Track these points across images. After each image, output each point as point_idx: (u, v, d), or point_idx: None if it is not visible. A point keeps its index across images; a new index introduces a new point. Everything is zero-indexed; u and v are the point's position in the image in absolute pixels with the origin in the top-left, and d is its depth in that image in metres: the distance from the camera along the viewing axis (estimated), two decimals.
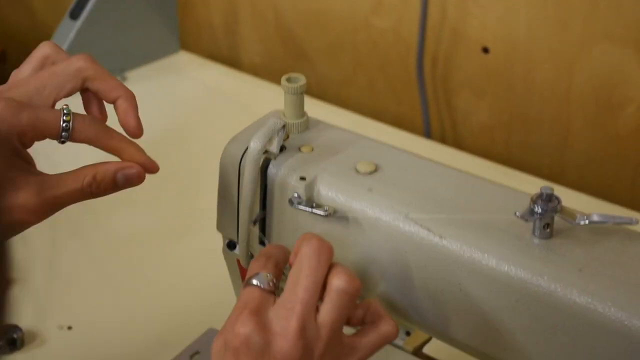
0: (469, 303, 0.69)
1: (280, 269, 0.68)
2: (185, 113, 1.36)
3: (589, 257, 0.66)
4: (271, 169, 0.75)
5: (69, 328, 0.97)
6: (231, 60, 1.53)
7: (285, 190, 0.75)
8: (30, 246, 1.09)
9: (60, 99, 0.76)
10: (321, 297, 0.66)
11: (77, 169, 0.72)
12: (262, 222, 0.78)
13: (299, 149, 0.76)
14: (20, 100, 0.72)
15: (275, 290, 0.66)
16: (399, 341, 0.94)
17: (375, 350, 0.68)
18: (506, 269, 0.67)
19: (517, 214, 0.67)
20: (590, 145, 1.24)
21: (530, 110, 1.26)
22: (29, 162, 0.73)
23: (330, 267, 0.66)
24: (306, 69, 1.43)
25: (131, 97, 0.77)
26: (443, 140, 1.34)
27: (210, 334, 0.96)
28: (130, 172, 0.73)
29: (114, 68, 1.36)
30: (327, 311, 0.65)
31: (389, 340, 0.68)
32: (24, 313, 0.92)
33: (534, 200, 0.67)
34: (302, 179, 0.74)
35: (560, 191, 1.20)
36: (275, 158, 0.75)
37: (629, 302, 0.63)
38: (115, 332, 0.98)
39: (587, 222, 0.67)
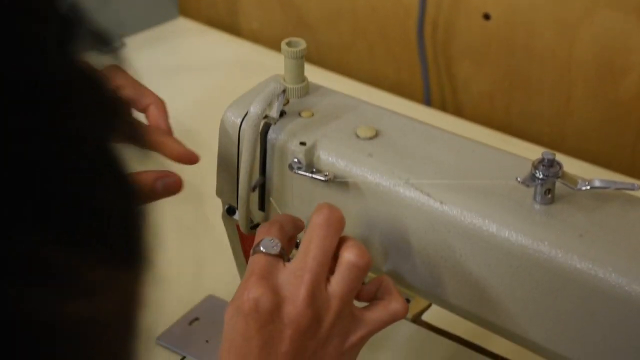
0: (469, 269, 0.69)
1: (286, 233, 0.68)
2: (184, 80, 1.35)
3: (589, 222, 0.66)
4: (271, 134, 0.75)
5: None
6: (230, 27, 1.52)
7: (285, 155, 0.74)
8: None
9: None
10: (332, 269, 0.66)
11: None
12: (262, 188, 0.77)
13: (299, 114, 0.76)
14: None
15: (282, 253, 0.66)
16: None
17: (383, 326, 0.68)
18: (506, 234, 0.67)
19: (519, 179, 0.67)
20: (591, 112, 1.23)
21: (531, 77, 1.25)
22: None
23: (343, 240, 0.67)
24: (306, 35, 1.42)
25: (161, 104, 0.77)
26: (443, 107, 1.33)
27: (209, 301, 0.96)
28: (170, 180, 0.73)
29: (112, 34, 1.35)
30: (337, 283, 0.65)
31: (397, 318, 0.68)
32: None
33: (535, 166, 0.67)
34: (302, 144, 0.74)
35: (560, 159, 1.20)
36: (275, 123, 0.75)
37: (630, 267, 0.63)
38: None
39: (588, 187, 0.67)
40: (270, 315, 0.63)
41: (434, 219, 0.69)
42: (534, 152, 1.18)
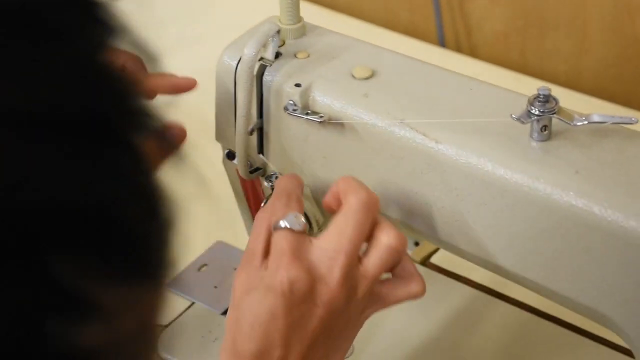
0: (465, 208, 0.68)
1: (302, 204, 0.67)
2: (177, 23, 1.34)
3: (586, 158, 0.65)
4: (266, 76, 0.74)
5: None
6: None
7: (281, 97, 0.73)
8: None
9: None
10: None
11: None
12: (260, 131, 0.77)
13: (295, 55, 0.75)
14: None
15: (306, 228, 0.65)
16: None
17: (398, 303, 0.68)
18: (502, 172, 0.66)
19: (513, 116, 0.66)
20: (607, 49, 1.21)
21: (546, 14, 1.23)
22: None
23: (376, 221, 0.65)
24: None
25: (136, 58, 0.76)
26: (458, 48, 1.31)
27: (218, 247, 0.96)
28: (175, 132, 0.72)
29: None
30: (372, 264, 0.64)
31: (415, 298, 0.68)
32: None
33: (530, 102, 0.66)
34: (297, 85, 0.73)
35: (577, 97, 1.18)
36: (270, 65, 0.74)
37: (626, 203, 0.62)
38: None
39: (585, 122, 0.65)
40: (304, 296, 0.62)
41: (430, 159, 0.68)
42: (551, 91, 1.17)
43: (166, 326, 0.88)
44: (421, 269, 0.92)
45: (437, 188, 0.69)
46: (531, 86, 1.17)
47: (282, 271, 0.62)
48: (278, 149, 0.76)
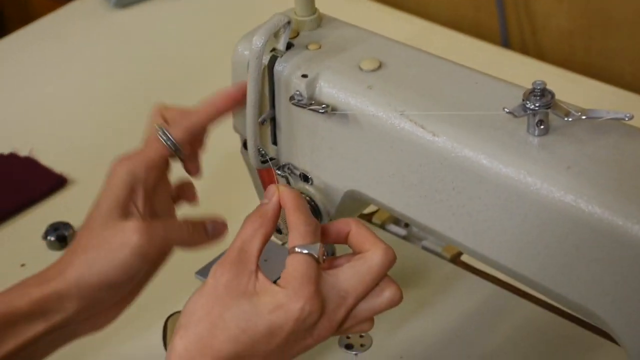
0: (461, 202, 0.68)
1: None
2: (197, 18, 1.35)
3: (580, 154, 0.63)
4: (277, 67, 0.75)
5: None
6: None
7: (289, 88, 0.74)
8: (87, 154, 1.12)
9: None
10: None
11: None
12: (273, 121, 0.77)
13: (306, 47, 0.75)
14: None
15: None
16: (437, 248, 0.93)
17: (376, 314, 0.68)
18: (495, 166, 0.65)
19: (506, 109, 0.65)
20: None
21: (611, 12, 1.20)
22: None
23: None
24: None
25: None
26: (522, 48, 1.29)
27: None
28: (218, 226, 0.77)
29: None
30: (367, 310, 0.66)
31: (393, 306, 0.68)
32: (75, 211, 0.95)
33: (526, 96, 0.65)
34: (304, 76, 0.73)
35: None
36: (281, 55, 0.75)
37: (615, 200, 0.61)
38: None
39: (583, 117, 0.64)
40: (310, 328, 0.64)
41: (427, 151, 0.68)
42: (617, 95, 1.15)
43: None
44: (450, 266, 0.92)
45: (435, 181, 0.68)
46: (595, 89, 1.16)
47: (304, 300, 0.63)
48: (289, 139, 0.77)
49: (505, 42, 1.29)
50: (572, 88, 1.19)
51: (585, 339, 0.83)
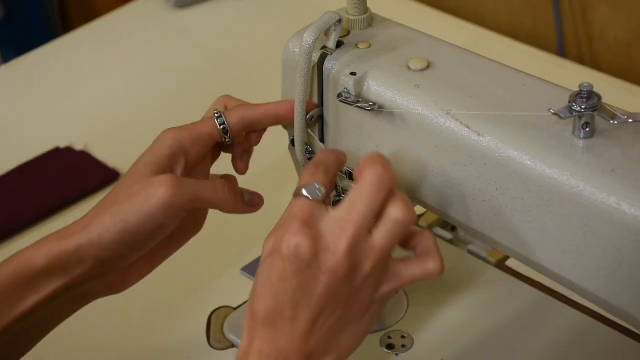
0: (504, 202, 0.68)
1: (332, 175, 0.68)
2: (257, 18, 1.36)
3: (625, 157, 0.63)
4: (327, 65, 0.76)
5: None
6: None
7: (338, 85, 0.75)
8: None
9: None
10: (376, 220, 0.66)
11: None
12: (321, 119, 0.78)
13: (356, 46, 0.76)
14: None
15: (325, 199, 0.66)
16: (482, 252, 0.93)
17: (415, 282, 0.67)
18: (539, 167, 0.65)
19: (552, 110, 0.64)
20: None
21: None
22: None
23: (390, 194, 0.66)
24: None
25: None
26: (579, 58, 1.28)
27: None
28: (256, 198, 0.78)
29: None
30: (380, 237, 0.65)
31: (432, 277, 0.67)
32: None
33: (572, 98, 0.65)
34: (353, 74, 0.74)
35: None
36: (331, 53, 0.75)
37: None
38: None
39: (628, 120, 0.64)
40: (308, 262, 0.64)
41: (472, 151, 0.68)
42: None
43: (235, 308, 0.91)
44: (496, 272, 0.92)
45: (479, 181, 0.68)
46: None
47: (288, 236, 0.64)
48: (336, 136, 0.77)
49: (562, 52, 1.28)
50: (629, 99, 1.18)
51: (631, 348, 0.82)
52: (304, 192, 0.66)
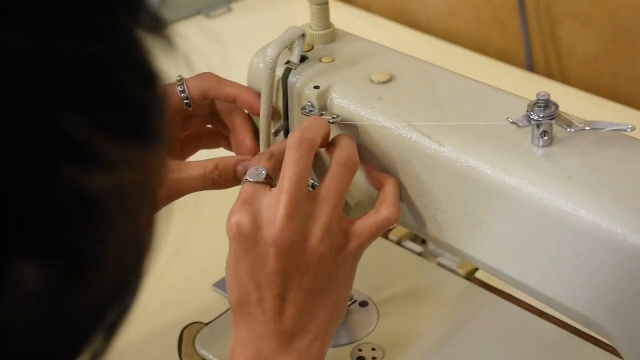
0: (466, 212, 0.68)
1: (276, 158, 0.70)
2: (232, 37, 1.37)
3: (583, 165, 0.64)
4: (291, 79, 0.76)
5: None
6: None
7: (302, 99, 0.75)
8: None
9: None
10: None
11: (203, 160, 0.77)
12: (286, 132, 0.79)
13: (320, 60, 0.77)
14: None
15: (269, 181, 0.68)
16: (452, 265, 0.93)
17: (374, 234, 0.69)
18: (499, 176, 0.66)
19: (510, 119, 0.65)
20: None
21: (638, 37, 1.20)
22: None
23: (333, 142, 0.69)
24: (415, 2, 1.42)
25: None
26: (548, 73, 1.30)
27: None
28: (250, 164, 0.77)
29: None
30: (324, 184, 0.67)
31: (387, 224, 0.69)
32: None
33: (530, 107, 0.65)
34: (316, 87, 0.75)
35: None
36: (295, 68, 0.76)
37: (614, 209, 0.61)
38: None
39: (586, 128, 0.65)
40: (252, 237, 0.66)
41: (434, 162, 0.69)
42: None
43: (207, 324, 0.91)
44: (465, 283, 0.92)
45: (441, 190, 0.69)
46: (623, 114, 1.16)
47: (230, 216, 0.67)
48: None
49: (531, 67, 1.29)
50: (598, 112, 1.19)
51: (600, 357, 0.82)
52: (246, 176, 0.69)
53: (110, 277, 0.36)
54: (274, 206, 0.65)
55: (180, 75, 0.77)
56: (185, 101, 0.77)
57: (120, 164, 0.36)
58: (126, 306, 0.39)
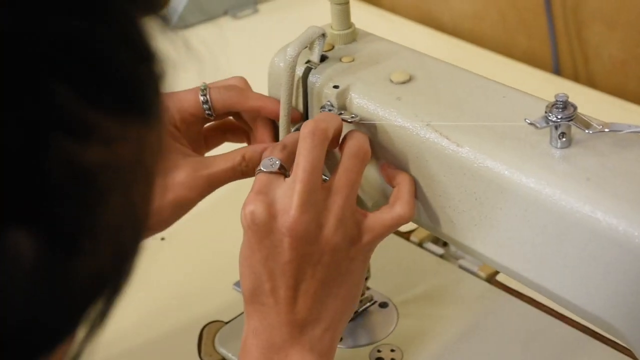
0: (483, 213, 0.68)
1: (290, 149, 0.70)
2: (255, 37, 1.37)
3: (601, 166, 0.64)
4: (311, 78, 0.77)
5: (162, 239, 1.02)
6: None
7: (322, 98, 0.76)
8: None
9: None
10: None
11: (229, 152, 0.77)
12: None
13: (340, 59, 0.77)
14: None
15: (282, 171, 0.69)
16: (473, 267, 0.93)
17: (388, 230, 0.69)
18: (516, 177, 0.65)
19: (527, 120, 0.65)
20: None
21: None
22: (184, 145, 0.78)
23: (345, 137, 0.70)
24: (440, 4, 1.42)
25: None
26: (575, 76, 1.29)
27: None
28: None
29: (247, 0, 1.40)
30: (337, 177, 0.68)
31: (401, 222, 0.69)
32: None
33: (548, 108, 0.65)
34: (335, 87, 0.75)
35: None
36: (315, 67, 0.76)
37: (631, 211, 0.61)
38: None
39: (603, 129, 0.64)
40: (267, 227, 0.66)
41: (451, 162, 0.69)
42: None
43: (227, 323, 0.91)
44: (486, 286, 0.92)
45: (458, 191, 0.69)
46: None
47: (244, 206, 0.67)
48: None
49: (557, 70, 1.29)
50: (624, 116, 1.19)
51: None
52: (260, 167, 0.69)
53: (105, 250, 0.36)
54: (289, 195, 0.66)
55: (204, 83, 0.77)
56: (207, 112, 0.77)
57: (114, 138, 0.36)
58: (122, 281, 0.39)
